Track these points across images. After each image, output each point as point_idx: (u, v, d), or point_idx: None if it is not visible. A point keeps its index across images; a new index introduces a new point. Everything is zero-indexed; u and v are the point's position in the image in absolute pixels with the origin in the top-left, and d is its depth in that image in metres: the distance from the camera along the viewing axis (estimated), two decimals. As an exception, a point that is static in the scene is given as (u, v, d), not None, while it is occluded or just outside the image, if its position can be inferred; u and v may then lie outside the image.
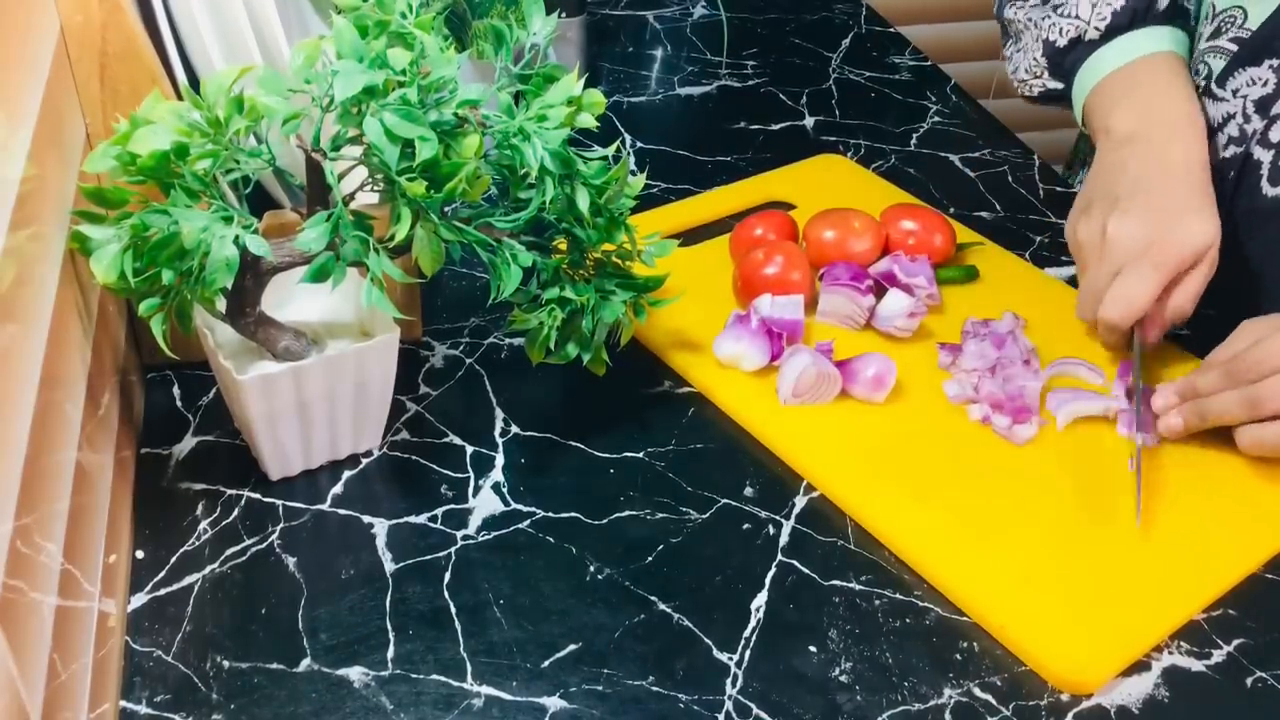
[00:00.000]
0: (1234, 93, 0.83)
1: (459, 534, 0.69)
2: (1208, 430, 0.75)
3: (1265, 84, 0.81)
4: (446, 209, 0.63)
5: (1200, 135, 0.82)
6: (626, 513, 0.71)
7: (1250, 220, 0.83)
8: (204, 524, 0.69)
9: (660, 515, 0.71)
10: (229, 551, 0.67)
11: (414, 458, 0.74)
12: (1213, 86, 0.84)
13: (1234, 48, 0.83)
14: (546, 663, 0.62)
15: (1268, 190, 0.81)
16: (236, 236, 0.58)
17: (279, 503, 0.70)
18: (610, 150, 0.68)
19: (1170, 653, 0.64)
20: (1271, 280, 0.84)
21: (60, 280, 0.59)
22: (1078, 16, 0.90)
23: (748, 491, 0.73)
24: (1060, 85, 0.93)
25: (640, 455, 0.75)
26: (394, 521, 0.69)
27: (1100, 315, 0.78)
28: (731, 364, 0.80)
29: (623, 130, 1.12)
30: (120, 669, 0.60)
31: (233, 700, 0.59)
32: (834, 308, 0.84)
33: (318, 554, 0.67)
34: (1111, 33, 0.88)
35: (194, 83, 0.73)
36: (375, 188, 0.63)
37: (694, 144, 1.10)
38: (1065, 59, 0.91)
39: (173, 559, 0.66)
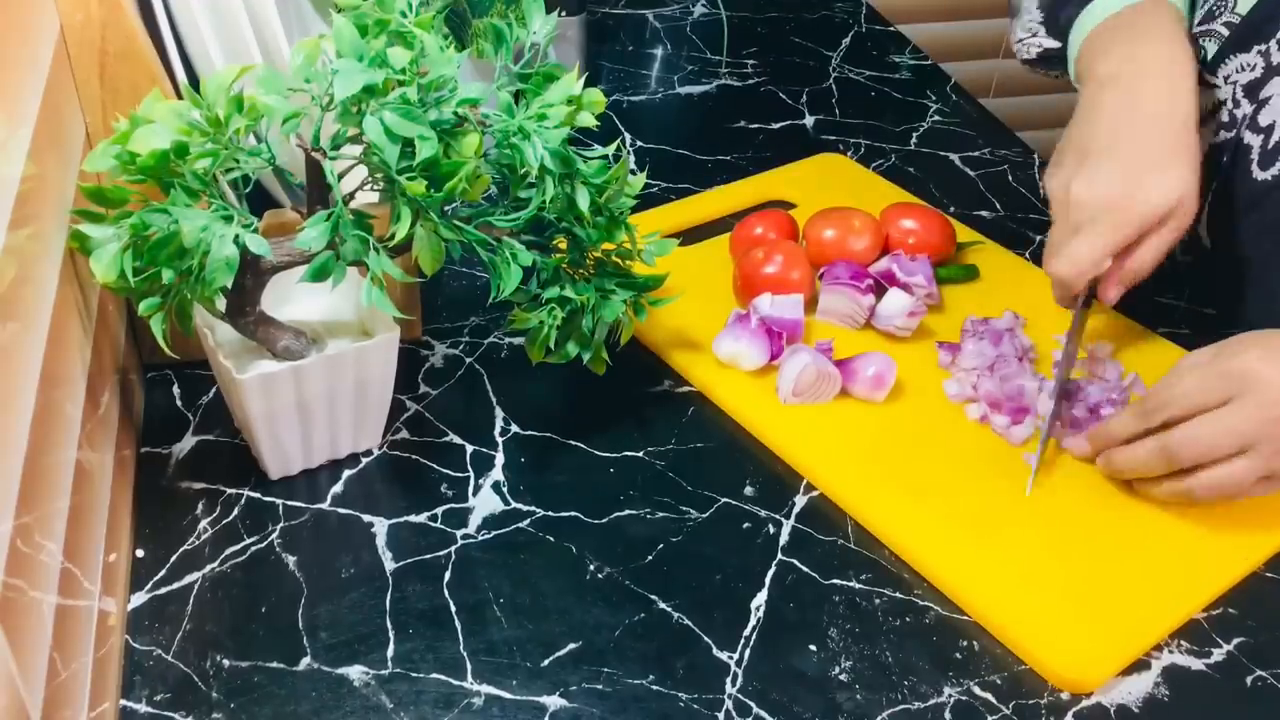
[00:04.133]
0: (1225, 79, 0.84)
1: (459, 533, 0.69)
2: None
3: (1253, 69, 0.81)
4: (446, 208, 0.63)
5: (1183, 77, 0.79)
6: (626, 512, 0.71)
7: (1242, 204, 0.84)
8: (204, 523, 0.69)
9: (660, 514, 0.71)
10: (229, 551, 0.67)
11: (414, 457, 0.74)
12: (1203, 73, 0.85)
13: (1225, 32, 0.84)
14: (546, 661, 0.62)
15: (1258, 174, 0.82)
16: (236, 235, 0.59)
17: (279, 502, 0.70)
18: (610, 149, 0.68)
19: (1170, 651, 0.64)
20: (1260, 263, 0.84)
21: (60, 279, 0.59)
22: None
23: (748, 491, 0.73)
24: (1057, 44, 0.92)
25: (640, 454, 0.75)
26: (394, 521, 0.69)
27: (1046, 269, 0.78)
28: (731, 363, 0.80)
29: (623, 129, 1.12)
30: (120, 668, 0.60)
31: (233, 699, 0.59)
32: (834, 307, 0.84)
33: (318, 553, 0.67)
34: None
35: (194, 82, 0.73)
36: (375, 187, 0.63)
37: (694, 143, 1.10)
38: (1060, 15, 0.91)
39: (173, 558, 0.66)
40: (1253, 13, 0.82)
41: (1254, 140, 0.82)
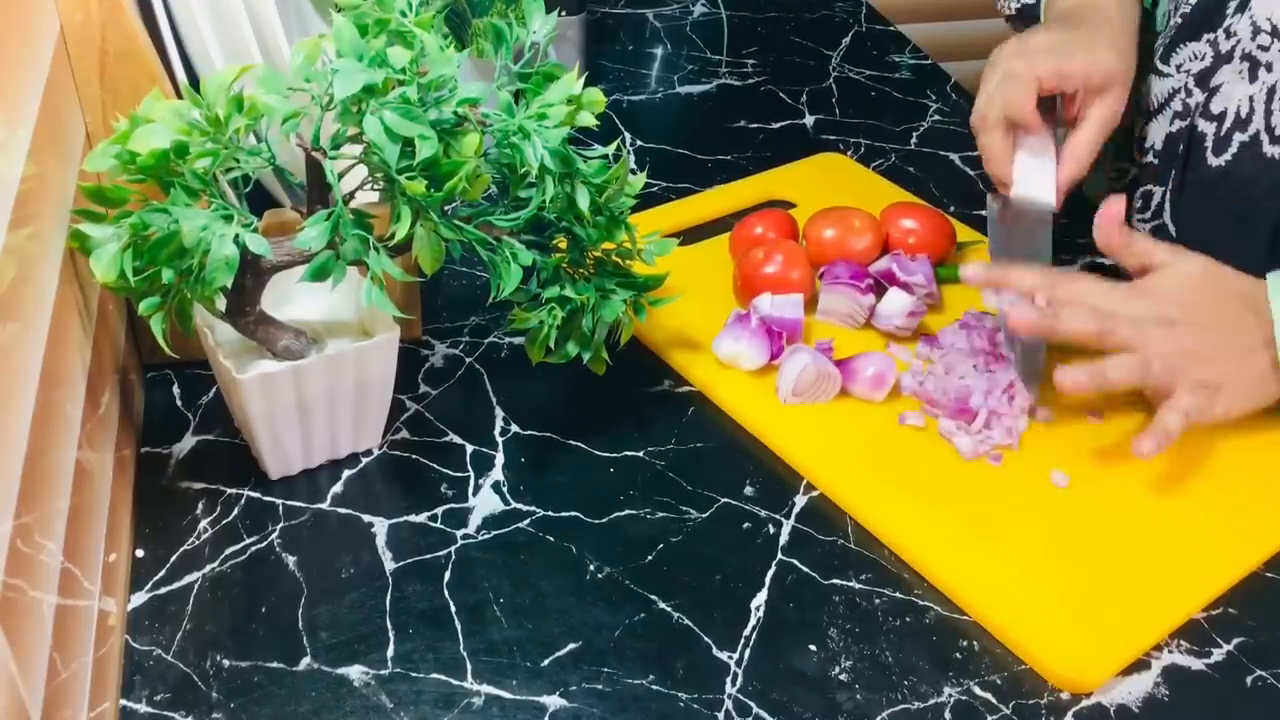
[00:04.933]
0: (1177, 68, 0.86)
1: (459, 533, 0.69)
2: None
3: (1204, 58, 0.84)
4: (446, 207, 0.63)
5: (1132, 24, 0.85)
6: (626, 512, 0.71)
7: (1196, 190, 0.86)
8: (204, 523, 0.69)
9: (660, 514, 0.71)
10: (229, 550, 0.67)
11: (414, 457, 0.74)
12: (1156, 63, 0.88)
13: (1179, 22, 0.86)
14: (546, 661, 0.62)
15: (1212, 161, 0.84)
16: (236, 235, 0.59)
17: (279, 502, 0.70)
18: (610, 149, 0.68)
19: (1170, 651, 0.64)
20: (1222, 248, 0.84)
21: (60, 279, 0.59)
22: None
23: (748, 490, 0.73)
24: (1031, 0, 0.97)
25: (640, 454, 0.75)
26: (394, 520, 0.69)
27: (974, 119, 0.82)
28: (731, 363, 0.80)
29: (623, 129, 1.12)
30: (120, 668, 0.60)
31: (233, 699, 0.59)
32: (834, 306, 0.84)
33: (318, 553, 0.67)
34: None
35: (194, 82, 0.73)
36: (375, 186, 0.63)
37: (694, 143, 1.10)
38: None
39: (173, 558, 0.66)
40: (1201, 1, 0.84)
41: (1208, 128, 0.84)
